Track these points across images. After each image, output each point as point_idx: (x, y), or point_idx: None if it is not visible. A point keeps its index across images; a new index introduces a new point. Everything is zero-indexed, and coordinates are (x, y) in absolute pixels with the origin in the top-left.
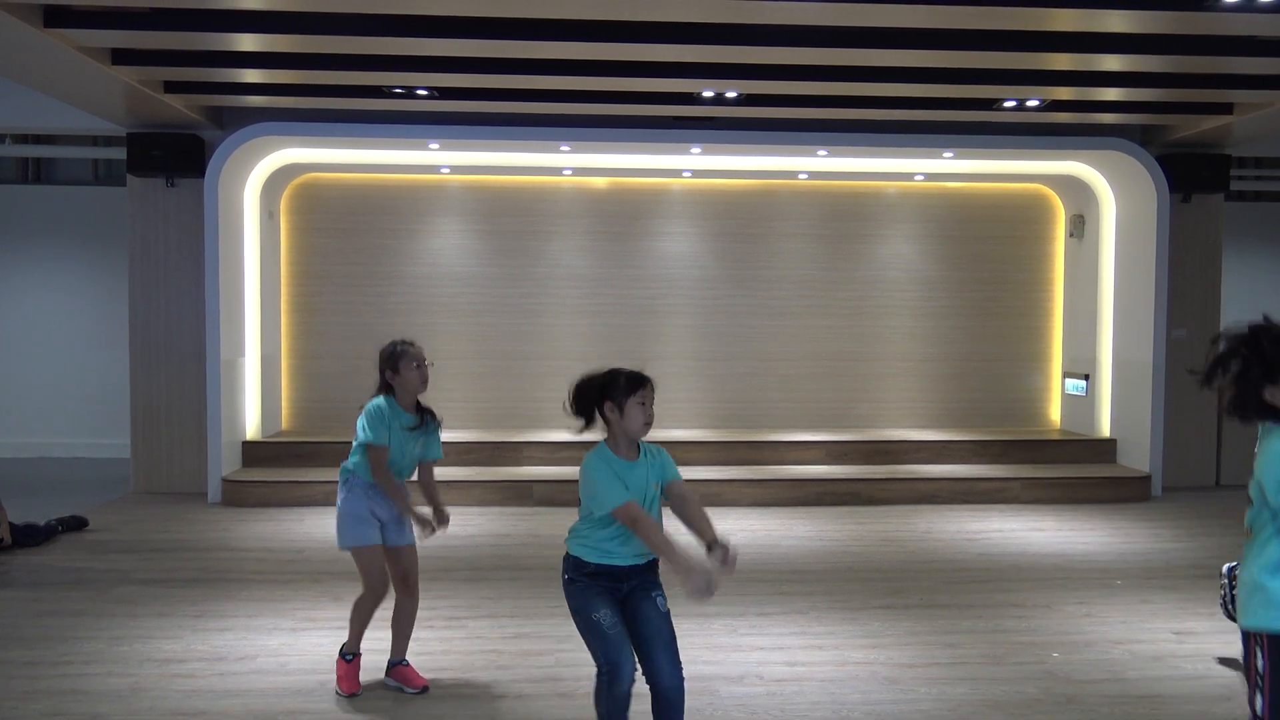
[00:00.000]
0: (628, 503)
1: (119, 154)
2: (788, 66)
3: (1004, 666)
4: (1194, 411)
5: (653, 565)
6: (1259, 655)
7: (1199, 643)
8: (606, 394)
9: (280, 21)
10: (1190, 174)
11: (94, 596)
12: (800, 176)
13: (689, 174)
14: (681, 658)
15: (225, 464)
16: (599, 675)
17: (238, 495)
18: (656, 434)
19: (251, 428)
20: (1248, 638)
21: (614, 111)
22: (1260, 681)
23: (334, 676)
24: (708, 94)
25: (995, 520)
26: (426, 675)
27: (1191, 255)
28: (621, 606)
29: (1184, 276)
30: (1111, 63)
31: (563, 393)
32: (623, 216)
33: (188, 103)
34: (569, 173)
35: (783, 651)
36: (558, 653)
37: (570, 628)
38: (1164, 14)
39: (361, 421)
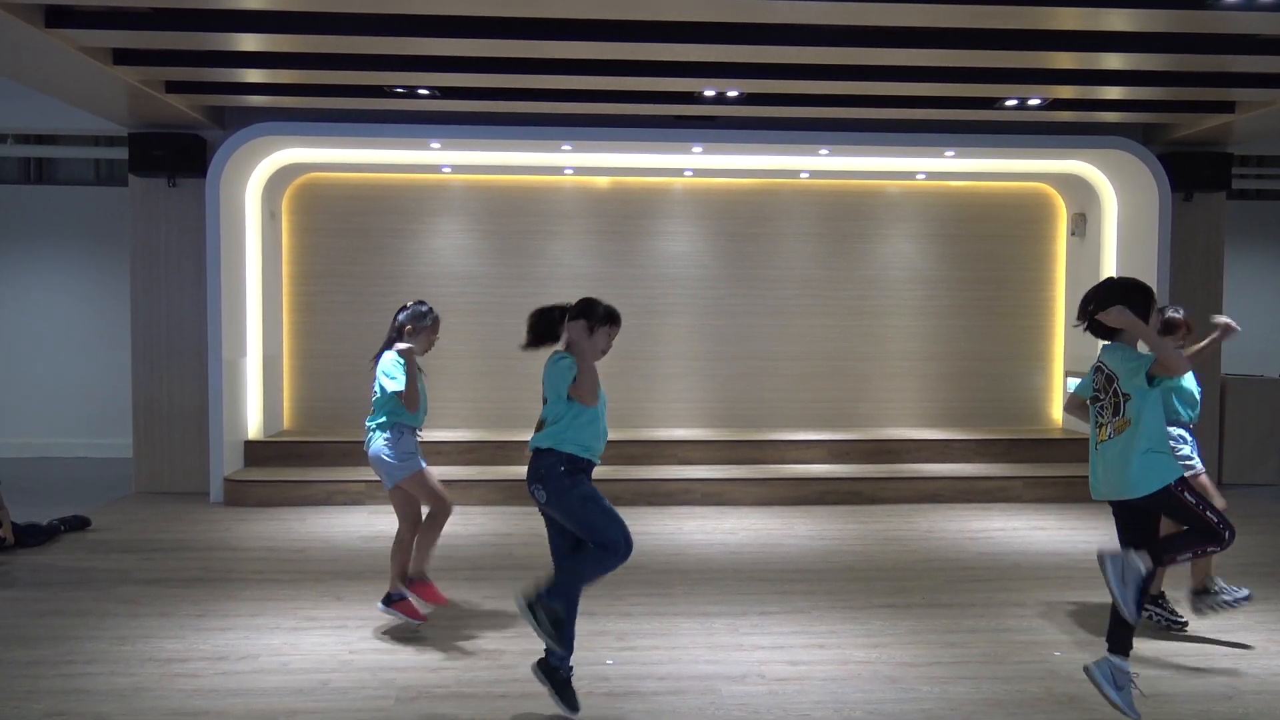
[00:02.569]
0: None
1: (120, 154)
2: (789, 65)
3: (1006, 665)
4: None
5: None
6: (1186, 496)
7: (1202, 642)
8: (583, 315)
9: (282, 21)
10: (1192, 172)
11: (96, 596)
12: (802, 175)
13: (691, 173)
14: (683, 656)
15: (227, 464)
16: (615, 554)
17: (239, 495)
18: (658, 433)
19: (253, 427)
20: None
21: (615, 111)
22: (1198, 507)
23: (335, 675)
24: (709, 93)
25: (997, 519)
26: (430, 674)
27: (1193, 254)
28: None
29: (1186, 275)
30: (1113, 61)
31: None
32: (624, 216)
33: (189, 103)
34: (570, 172)
35: (784, 651)
36: None
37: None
38: (1165, 12)
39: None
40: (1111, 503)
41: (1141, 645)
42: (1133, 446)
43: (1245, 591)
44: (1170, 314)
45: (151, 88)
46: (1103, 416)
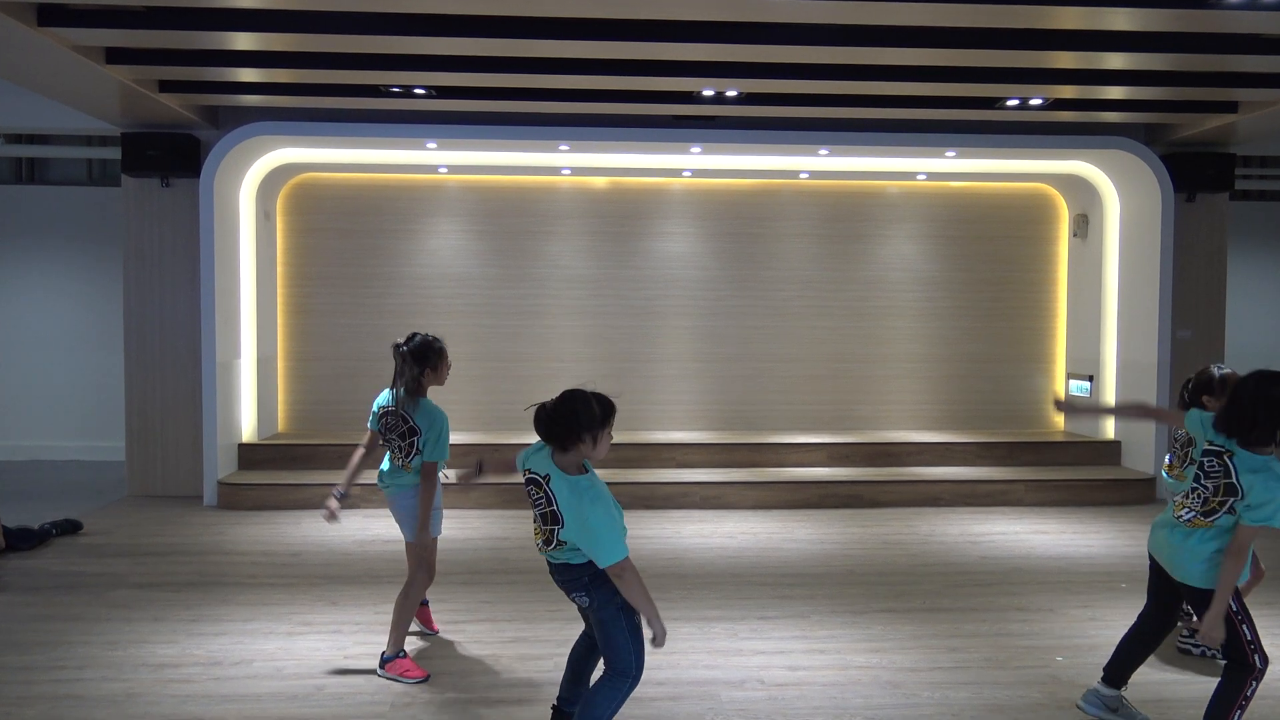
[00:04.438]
0: (628, 558)
1: (114, 154)
2: (789, 65)
3: (1007, 670)
4: None
5: None
6: (1231, 604)
7: (1204, 646)
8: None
9: (276, 20)
10: (1195, 173)
11: (89, 601)
12: (801, 176)
13: (689, 173)
14: (681, 661)
15: (221, 467)
16: (627, 679)
17: (233, 498)
18: (656, 435)
19: (247, 430)
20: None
21: (613, 110)
22: (1238, 616)
23: (330, 681)
24: (708, 93)
25: (998, 523)
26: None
27: (1196, 255)
28: None
29: (1188, 276)
30: (1115, 61)
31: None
32: (622, 216)
33: (183, 102)
34: (568, 172)
35: (784, 656)
36: (556, 656)
37: (569, 630)
38: (1168, 12)
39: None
40: (1152, 557)
41: None
42: (1206, 536)
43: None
44: (1220, 372)
45: (145, 87)
46: (1194, 485)
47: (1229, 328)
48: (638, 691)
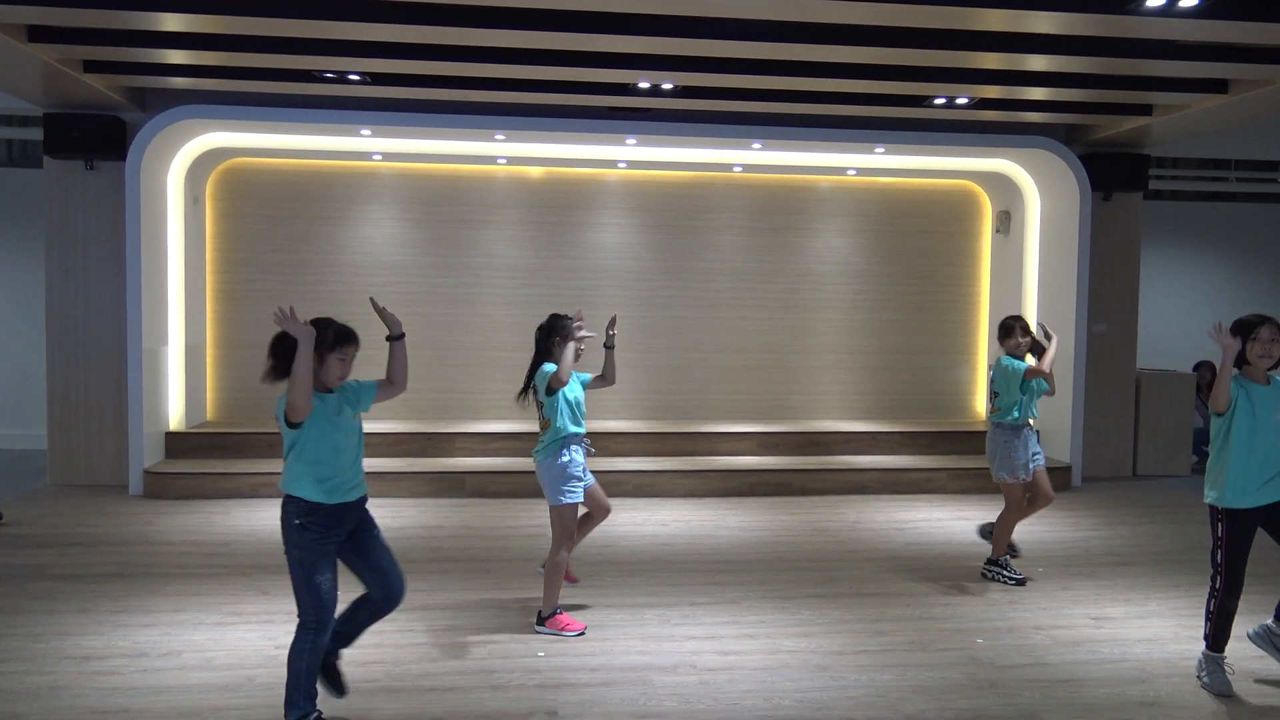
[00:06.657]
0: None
1: (35, 134)
2: (724, 60)
3: (930, 653)
4: (1113, 404)
5: (364, 500)
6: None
7: (1116, 628)
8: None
9: (207, 1)
10: (1111, 173)
11: (10, 592)
12: (735, 169)
13: (624, 165)
14: (614, 647)
15: (147, 455)
16: (308, 631)
17: (160, 487)
18: (589, 424)
19: (175, 418)
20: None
21: (549, 101)
22: (1214, 546)
23: (261, 671)
24: (644, 85)
25: (923, 510)
26: (359, 669)
27: (1112, 252)
28: (347, 545)
29: (1104, 272)
30: (1038, 63)
31: (495, 383)
32: (557, 206)
33: (108, 83)
34: (503, 162)
35: (715, 641)
36: (490, 644)
37: (502, 618)
38: (1089, 16)
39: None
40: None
41: (1061, 632)
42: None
43: (1023, 577)
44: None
45: (68, 67)
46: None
47: (1142, 321)
48: (572, 677)
